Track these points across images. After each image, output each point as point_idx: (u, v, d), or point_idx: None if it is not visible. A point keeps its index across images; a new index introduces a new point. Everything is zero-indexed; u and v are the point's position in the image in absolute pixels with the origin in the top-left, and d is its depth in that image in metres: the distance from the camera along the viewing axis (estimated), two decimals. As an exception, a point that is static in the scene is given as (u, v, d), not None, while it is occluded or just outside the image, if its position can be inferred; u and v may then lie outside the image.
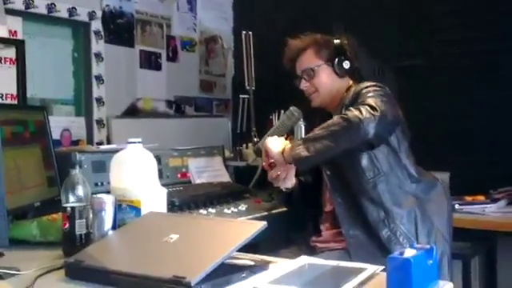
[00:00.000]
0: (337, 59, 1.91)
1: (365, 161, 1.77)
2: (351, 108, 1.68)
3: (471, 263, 2.47)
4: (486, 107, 2.73)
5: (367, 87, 1.79)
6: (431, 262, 1.04)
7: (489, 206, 2.39)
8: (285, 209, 2.20)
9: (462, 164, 2.49)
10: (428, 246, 1.06)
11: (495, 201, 2.42)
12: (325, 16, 3.11)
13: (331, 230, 1.88)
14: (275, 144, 1.76)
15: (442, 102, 2.76)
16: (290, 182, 1.79)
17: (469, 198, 2.43)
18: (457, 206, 2.30)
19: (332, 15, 3.06)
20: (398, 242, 1.72)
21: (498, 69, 2.73)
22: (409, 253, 1.00)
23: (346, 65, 1.91)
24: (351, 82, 1.94)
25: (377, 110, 1.64)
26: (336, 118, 1.68)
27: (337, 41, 1.94)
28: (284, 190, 1.86)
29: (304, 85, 1.96)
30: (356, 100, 1.77)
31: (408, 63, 2.87)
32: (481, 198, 2.44)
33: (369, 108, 1.64)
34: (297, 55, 1.98)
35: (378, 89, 1.77)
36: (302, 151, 1.66)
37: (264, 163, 1.79)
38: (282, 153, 1.72)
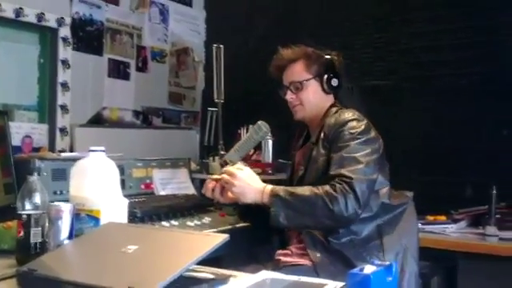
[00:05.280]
0: (326, 76, 1.91)
1: None
2: (337, 191, 1.66)
3: (431, 283, 2.49)
4: (450, 128, 2.80)
5: (350, 128, 1.78)
6: (390, 278, 1.04)
7: (450, 226, 2.43)
8: (249, 223, 2.18)
9: (425, 184, 2.54)
10: (388, 263, 1.06)
11: (456, 221, 2.46)
12: (296, 33, 3.15)
13: (298, 244, 1.87)
14: (254, 179, 1.77)
15: (406, 122, 2.82)
16: (225, 198, 1.82)
17: (430, 218, 2.46)
18: (419, 225, 2.33)
19: (303, 33, 3.09)
20: (364, 260, 1.72)
21: (461, 92, 2.80)
22: (369, 269, 1.00)
23: (335, 82, 1.91)
24: (334, 100, 1.94)
25: (359, 201, 1.66)
26: (321, 201, 1.66)
27: (328, 56, 1.93)
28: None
29: (290, 96, 1.93)
30: (337, 135, 1.78)
31: (375, 83, 2.92)
32: (442, 218, 2.48)
33: (353, 198, 1.66)
34: (286, 65, 1.96)
35: (360, 136, 1.76)
36: (282, 218, 1.69)
37: (216, 179, 1.80)
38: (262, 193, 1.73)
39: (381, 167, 1.81)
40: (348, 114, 1.83)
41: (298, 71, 1.93)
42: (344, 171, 1.70)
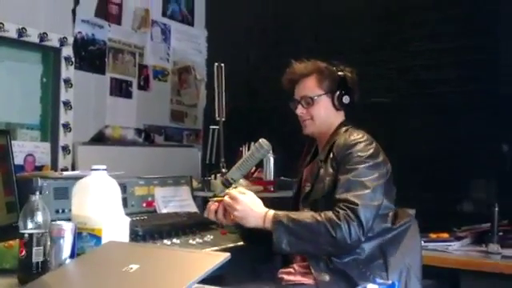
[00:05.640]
0: (338, 92, 1.91)
1: None
2: (340, 218, 1.67)
3: (434, 301, 2.47)
4: (450, 145, 2.80)
5: (358, 150, 1.78)
6: (393, 297, 1.04)
7: (452, 243, 2.42)
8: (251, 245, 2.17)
9: (427, 201, 2.53)
10: (390, 282, 1.06)
11: (459, 239, 2.45)
12: (296, 52, 3.17)
13: (301, 262, 1.86)
14: (256, 204, 1.77)
15: (406, 139, 2.82)
16: (228, 220, 1.81)
17: (433, 235, 2.45)
18: (422, 243, 2.32)
19: (303, 51, 3.11)
20: (368, 280, 1.71)
21: (461, 109, 2.81)
22: (370, 288, 1.00)
23: (346, 100, 1.91)
24: (344, 118, 1.95)
25: (363, 227, 1.66)
26: (324, 228, 1.67)
27: (340, 73, 1.93)
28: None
29: (300, 111, 1.94)
30: (345, 157, 1.78)
31: (375, 101, 2.93)
32: (445, 235, 2.47)
33: (356, 226, 1.66)
34: (298, 80, 1.96)
35: (368, 160, 1.77)
36: (285, 244, 1.69)
37: (218, 200, 1.79)
38: (264, 218, 1.74)
39: (387, 192, 1.81)
40: (358, 136, 1.83)
41: (309, 86, 1.94)
42: (350, 196, 1.70)
